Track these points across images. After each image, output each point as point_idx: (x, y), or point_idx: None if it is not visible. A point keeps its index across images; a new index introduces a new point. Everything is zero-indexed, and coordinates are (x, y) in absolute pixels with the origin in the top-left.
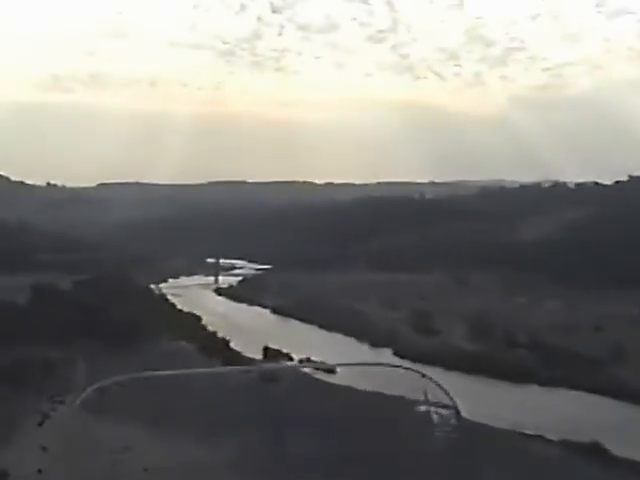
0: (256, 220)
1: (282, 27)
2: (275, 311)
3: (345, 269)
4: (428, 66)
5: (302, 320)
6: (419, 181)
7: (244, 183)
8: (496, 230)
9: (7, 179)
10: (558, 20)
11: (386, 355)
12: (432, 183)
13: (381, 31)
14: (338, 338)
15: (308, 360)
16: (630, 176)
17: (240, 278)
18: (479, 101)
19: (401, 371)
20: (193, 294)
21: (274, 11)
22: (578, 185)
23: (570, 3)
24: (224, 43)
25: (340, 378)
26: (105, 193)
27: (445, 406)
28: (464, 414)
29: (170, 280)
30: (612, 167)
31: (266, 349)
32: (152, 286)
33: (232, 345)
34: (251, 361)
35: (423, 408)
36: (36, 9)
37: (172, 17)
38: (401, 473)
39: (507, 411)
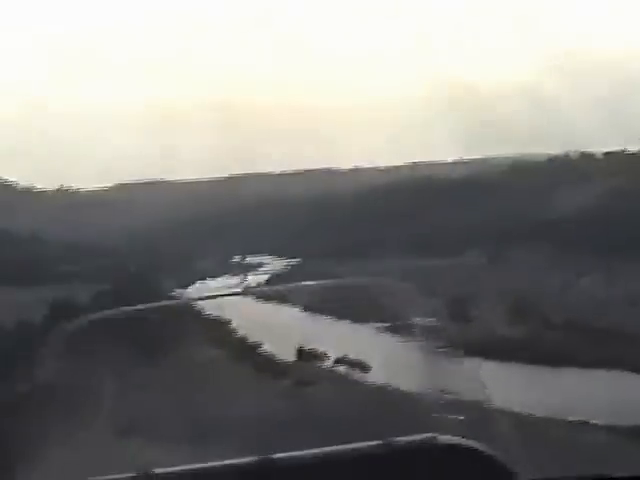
0: (282, 212)
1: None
2: (306, 308)
3: (378, 256)
4: (444, 39)
5: (335, 315)
6: (448, 160)
7: (267, 175)
8: (527, 206)
9: (14, 185)
10: None
11: (421, 347)
12: (461, 161)
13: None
14: (371, 332)
15: (344, 358)
16: None
17: (268, 275)
18: (505, 71)
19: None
20: (220, 296)
21: None
22: (606, 154)
23: None
24: (241, 23)
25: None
26: (122, 194)
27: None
28: (504, 404)
29: (196, 283)
30: None
31: (300, 350)
32: (177, 291)
33: (264, 348)
34: (285, 364)
35: None
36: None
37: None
38: None
39: (549, 397)
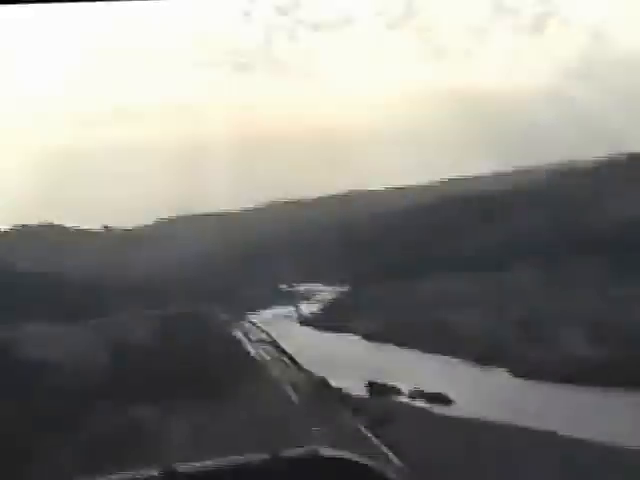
0: (322, 238)
1: (293, 30)
2: (367, 337)
3: (429, 277)
4: (458, 47)
5: (399, 344)
6: (482, 173)
7: (301, 201)
8: (582, 214)
9: (64, 228)
10: None
11: (499, 374)
12: (495, 174)
13: (399, 17)
14: (443, 361)
15: (420, 392)
16: None
17: (321, 304)
18: (523, 77)
19: None
20: (275, 328)
21: (282, 14)
22: None
23: None
24: (242, 56)
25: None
26: (163, 230)
27: None
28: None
29: (250, 315)
30: None
31: (371, 385)
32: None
33: (333, 384)
34: (359, 399)
35: None
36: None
37: (176, 36)
38: None
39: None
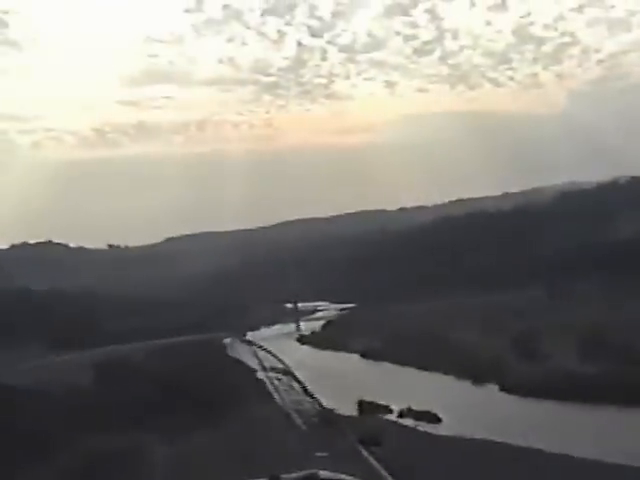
0: (332, 256)
1: (325, 51)
2: (365, 355)
3: (435, 295)
4: (481, 73)
5: (395, 362)
6: (492, 194)
7: (314, 219)
8: (585, 234)
9: (65, 246)
10: (604, 8)
11: (492, 392)
12: (505, 194)
13: (427, 42)
14: (436, 378)
15: (409, 410)
16: None
17: (323, 321)
18: (539, 103)
19: None
20: (274, 345)
21: (313, 35)
22: None
23: None
24: (267, 75)
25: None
26: (172, 248)
27: None
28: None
29: (249, 333)
30: None
31: (361, 403)
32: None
33: (324, 403)
34: (347, 419)
35: None
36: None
37: (208, 54)
38: None
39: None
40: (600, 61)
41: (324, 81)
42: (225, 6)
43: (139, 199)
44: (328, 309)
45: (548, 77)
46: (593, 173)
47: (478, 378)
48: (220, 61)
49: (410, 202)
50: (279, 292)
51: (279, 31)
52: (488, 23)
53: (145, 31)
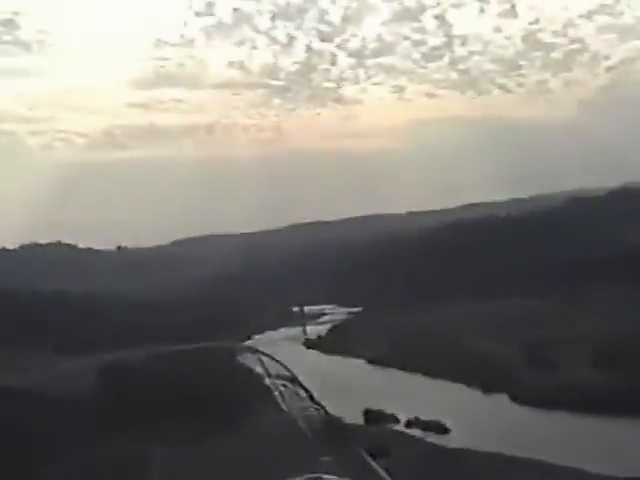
0: (340, 259)
1: (334, 55)
2: (372, 361)
3: (445, 301)
4: (490, 79)
5: (403, 368)
6: (501, 199)
7: (323, 223)
8: (596, 241)
9: (74, 247)
10: (614, 15)
11: (502, 402)
12: (515, 199)
13: (436, 48)
14: (445, 386)
15: (417, 420)
16: None
17: (330, 326)
18: (548, 110)
19: None
20: (279, 350)
21: (323, 40)
22: None
23: None
24: (277, 79)
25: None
26: (179, 250)
27: None
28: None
29: (255, 337)
30: None
31: (367, 412)
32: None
33: (330, 411)
34: (353, 428)
35: None
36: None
37: (218, 58)
38: None
39: None
40: (609, 68)
41: (333, 85)
42: (235, 10)
43: (148, 201)
44: (335, 313)
45: (557, 83)
46: (603, 179)
47: (488, 387)
48: (230, 64)
49: (419, 206)
50: (286, 295)
51: (289, 35)
52: (497, 29)
53: (156, 34)
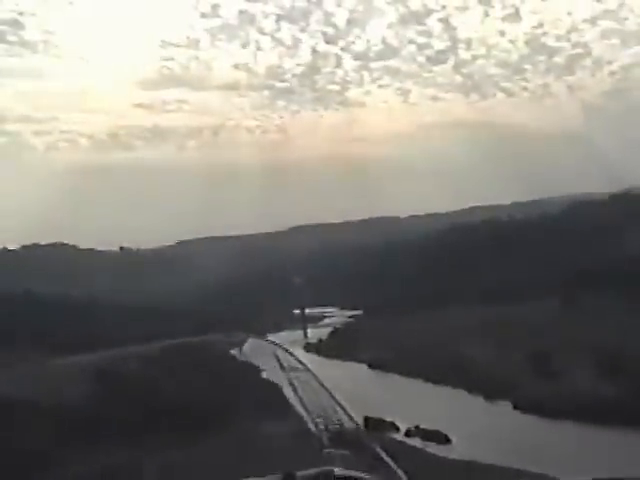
0: (342, 262)
1: (339, 58)
2: (372, 366)
3: (446, 306)
4: (494, 83)
5: (404, 374)
6: (503, 203)
7: (325, 225)
8: (597, 246)
9: (75, 247)
10: (617, 20)
11: (505, 410)
12: (516, 203)
13: (441, 51)
14: (447, 393)
15: (417, 428)
16: None
17: (330, 329)
18: (551, 114)
19: None
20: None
21: (328, 42)
22: None
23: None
24: (282, 81)
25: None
26: (182, 251)
27: None
28: None
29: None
30: None
31: (367, 419)
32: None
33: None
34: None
35: None
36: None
37: (223, 59)
38: None
39: None
40: (612, 72)
41: (338, 88)
42: (241, 12)
43: (152, 202)
44: (336, 315)
45: (560, 88)
46: (604, 184)
47: (490, 395)
48: (235, 66)
49: (421, 210)
50: (287, 297)
51: (294, 37)
52: (501, 33)
53: (161, 35)
